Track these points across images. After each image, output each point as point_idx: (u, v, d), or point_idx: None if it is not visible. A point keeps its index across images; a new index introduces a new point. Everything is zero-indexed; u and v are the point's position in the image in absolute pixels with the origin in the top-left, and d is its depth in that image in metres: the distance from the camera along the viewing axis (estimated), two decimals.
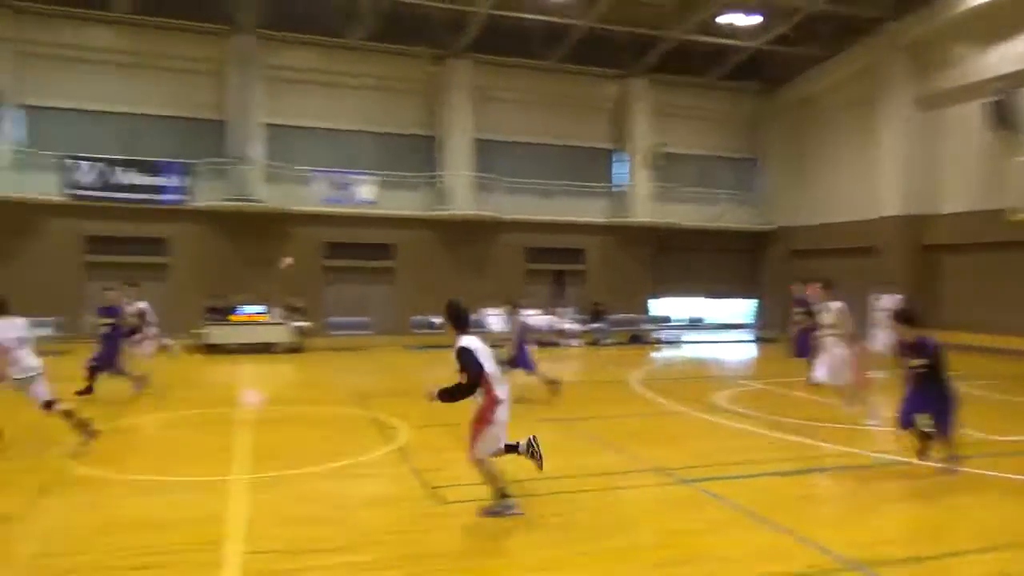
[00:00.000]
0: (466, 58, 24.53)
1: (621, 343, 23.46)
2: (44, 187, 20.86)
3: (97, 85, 21.85)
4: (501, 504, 5.90)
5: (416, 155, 24.96)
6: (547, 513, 6.02)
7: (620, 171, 27.18)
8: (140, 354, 12.95)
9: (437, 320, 21.60)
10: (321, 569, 4.93)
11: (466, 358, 5.72)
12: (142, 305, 13.13)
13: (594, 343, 22.91)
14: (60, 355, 17.61)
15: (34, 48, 21.32)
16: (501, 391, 5.85)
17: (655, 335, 24.94)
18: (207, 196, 22.17)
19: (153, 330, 13.47)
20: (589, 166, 26.94)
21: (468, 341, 5.83)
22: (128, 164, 21.54)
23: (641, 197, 26.47)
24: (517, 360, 11.51)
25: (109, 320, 11.67)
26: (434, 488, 6.75)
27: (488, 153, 25.39)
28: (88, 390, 11.35)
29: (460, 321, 5.99)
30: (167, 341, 14.51)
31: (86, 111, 21.93)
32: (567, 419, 10.13)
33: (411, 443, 8.63)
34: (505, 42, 24.11)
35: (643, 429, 9.91)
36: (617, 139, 27.12)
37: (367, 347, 20.82)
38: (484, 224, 24.63)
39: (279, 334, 19.37)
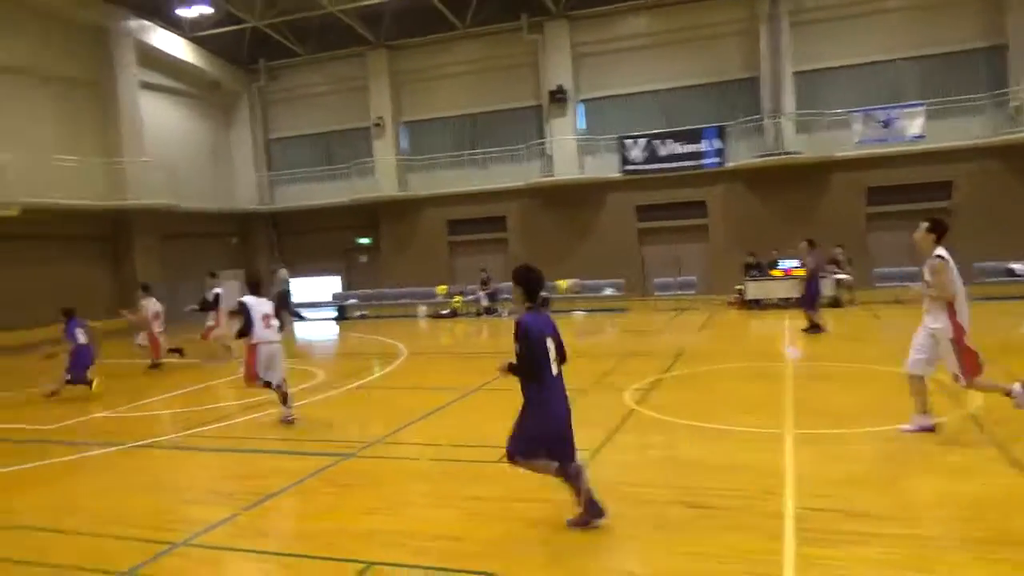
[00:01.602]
0: None
1: None
2: (603, 167, 24.15)
3: (637, 68, 24.17)
4: None
5: (975, 73, 21.16)
6: None
7: None
8: None
9: (1017, 267, 18.10)
10: (878, 537, 4.60)
11: None
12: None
13: None
14: (625, 312, 20.32)
15: (585, 49, 24.66)
16: None
17: None
18: (741, 155, 22.64)
19: None
20: None
21: None
22: (671, 136, 23.36)
23: None
24: None
25: None
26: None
27: None
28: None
29: None
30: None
31: (632, 94, 24.50)
32: None
33: (987, 412, 7.41)
34: None
35: None
36: None
37: (919, 300, 18.60)
38: None
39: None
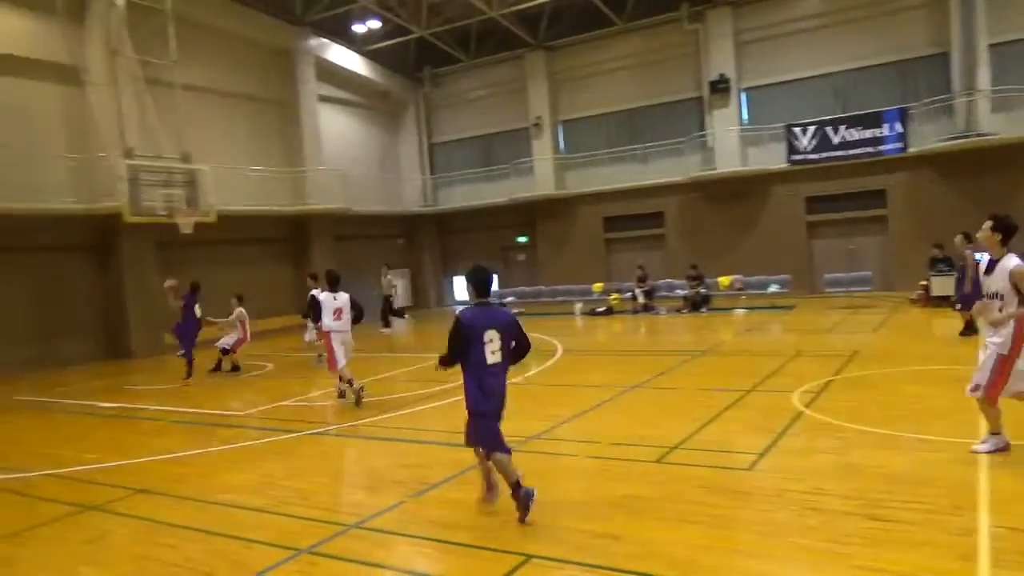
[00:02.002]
0: None
1: None
2: (768, 158, 23.04)
3: (806, 52, 22.82)
4: None
5: None
6: None
7: None
8: None
9: None
10: None
11: None
12: None
13: None
14: (791, 309, 19.28)
15: (748, 36, 23.63)
16: None
17: None
18: (926, 139, 20.76)
19: None
20: None
21: None
22: (845, 121, 21.85)
23: None
24: None
25: None
26: None
27: None
28: None
29: None
30: None
31: (801, 79, 23.15)
32: None
33: None
34: None
35: None
36: None
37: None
38: None
39: None
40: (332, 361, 10.44)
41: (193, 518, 5.94)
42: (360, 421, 9.25)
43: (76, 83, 18.24)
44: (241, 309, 14.83)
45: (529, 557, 4.67)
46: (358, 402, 10.02)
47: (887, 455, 6.28)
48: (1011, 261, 5.78)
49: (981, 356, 5.98)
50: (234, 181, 21.26)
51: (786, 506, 5.27)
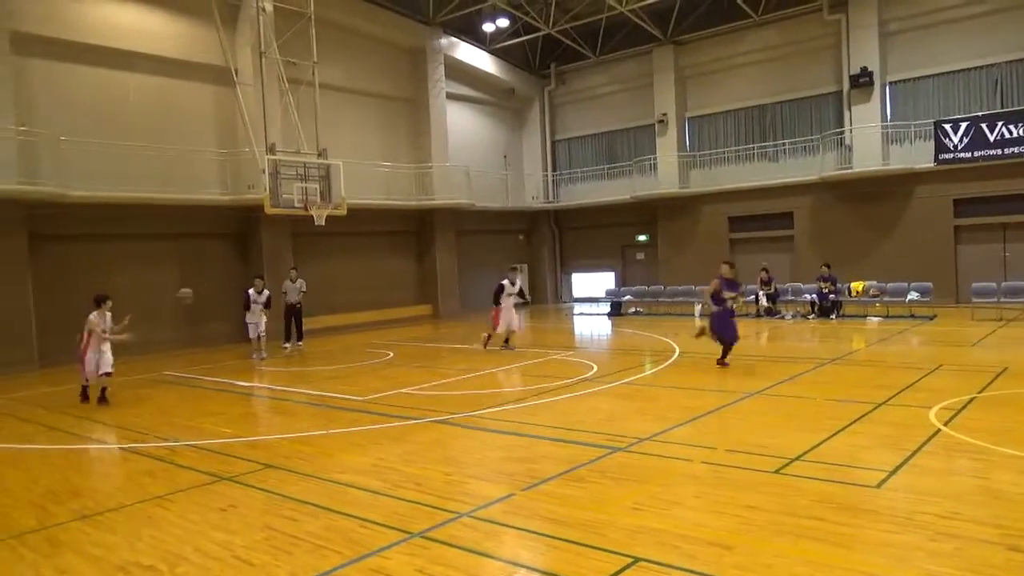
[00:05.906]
0: None
1: None
2: (913, 157, 21.52)
3: (960, 42, 21.13)
4: None
5: None
6: None
7: None
8: None
9: None
10: None
11: None
12: None
13: None
14: (932, 320, 17.99)
15: (895, 26, 22.13)
16: None
17: None
18: None
19: None
20: None
21: None
22: (1004, 117, 20.05)
23: None
24: None
25: None
26: None
27: None
28: None
29: None
30: None
31: (954, 72, 21.46)
32: None
33: None
34: None
35: None
36: None
37: None
38: None
39: None
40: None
41: (314, 495, 6.26)
42: (475, 412, 9.43)
43: (226, 83, 19.58)
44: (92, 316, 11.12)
45: (637, 560, 4.61)
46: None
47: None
48: None
49: None
50: (364, 176, 22.17)
51: (916, 529, 4.93)
